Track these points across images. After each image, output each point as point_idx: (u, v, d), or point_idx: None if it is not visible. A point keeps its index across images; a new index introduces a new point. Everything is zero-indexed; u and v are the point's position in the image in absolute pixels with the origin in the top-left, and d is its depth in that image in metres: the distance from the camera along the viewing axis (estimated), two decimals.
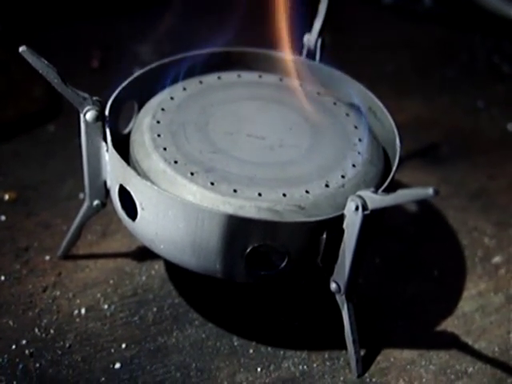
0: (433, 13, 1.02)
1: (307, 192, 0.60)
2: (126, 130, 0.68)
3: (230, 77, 0.69)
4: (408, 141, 0.66)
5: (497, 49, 0.98)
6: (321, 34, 0.70)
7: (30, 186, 0.77)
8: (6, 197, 0.75)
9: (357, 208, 0.56)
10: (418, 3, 1.03)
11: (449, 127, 0.88)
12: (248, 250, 0.58)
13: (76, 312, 0.67)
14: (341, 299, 0.62)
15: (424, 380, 0.65)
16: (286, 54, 0.70)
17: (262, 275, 0.61)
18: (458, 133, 0.87)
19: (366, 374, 0.65)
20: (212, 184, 0.59)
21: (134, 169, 0.61)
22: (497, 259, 0.74)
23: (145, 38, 0.92)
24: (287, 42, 0.69)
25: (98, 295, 0.69)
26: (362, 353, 0.66)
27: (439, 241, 0.76)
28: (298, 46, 0.71)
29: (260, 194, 0.59)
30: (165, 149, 0.62)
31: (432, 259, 0.74)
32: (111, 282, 0.70)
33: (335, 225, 0.58)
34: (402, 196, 0.55)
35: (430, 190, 0.53)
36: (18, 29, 0.93)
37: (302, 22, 0.69)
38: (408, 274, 0.73)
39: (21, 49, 0.60)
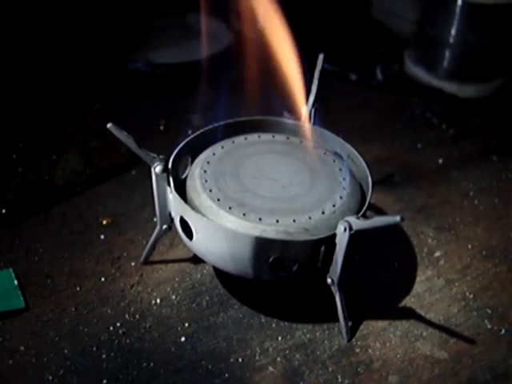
0: (384, 84, 0.97)
1: (310, 218, 0.55)
2: (183, 176, 0.62)
3: (252, 137, 0.64)
4: (373, 173, 0.61)
5: (428, 108, 0.93)
6: (314, 105, 0.64)
7: (120, 214, 0.71)
8: (104, 222, 0.70)
9: (345, 229, 0.52)
10: (373, 78, 0.98)
11: (399, 162, 0.82)
12: (270, 260, 0.54)
13: (153, 302, 0.62)
14: (334, 289, 0.57)
15: (393, 342, 0.60)
16: (291, 119, 0.65)
17: (281, 275, 0.56)
18: (406, 166, 0.82)
19: (353, 339, 0.60)
20: (244, 215, 0.54)
21: (190, 205, 0.56)
22: (437, 254, 0.69)
23: (194, 109, 0.87)
24: (292, 111, 0.64)
25: (168, 289, 0.63)
26: (350, 324, 0.60)
27: (397, 242, 0.70)
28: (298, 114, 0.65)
29: (277, 221, 0.54)
30: (210, 190, 0.56)
31: (393, 255, 0.68)
32: (177, 279, 0.64)
33: (330, 240, 0.54)
34: (377, 221, 0.51)
35: (398, 218, 0.48)
36: (111, 106, 0.88)
37: (300, 97, 0.63)
38: (377, 266, 0.67)
39: (108, 125, 0.55)
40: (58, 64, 0.92)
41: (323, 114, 0.66)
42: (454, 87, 0.95)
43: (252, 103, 0.70)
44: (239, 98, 0.71)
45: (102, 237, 0.68)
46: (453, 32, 0.92)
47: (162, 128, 0.86)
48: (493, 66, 0.95)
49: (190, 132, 0.84)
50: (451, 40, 0.93)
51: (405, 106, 0.93)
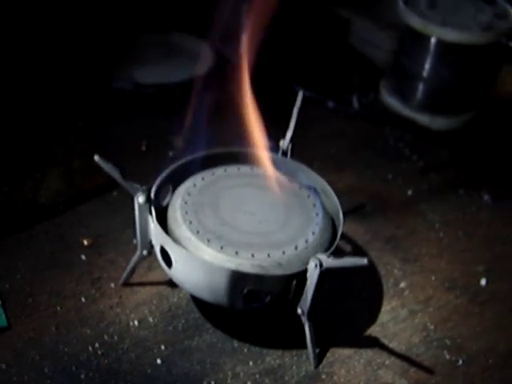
0: (359, 113, 1.01)
1: (283, 253, 0.58)
2: (165, 203, 0.65)
3: (232, 169, 0.67)
4: (344, 202, 0.65)
5: (400, 138, 0.97)
6: (291, 140, 0.68)
7: (101, 235, 0.74)
8: (85, 242, 0.72)
9: (316, 266, 0.55)
10: (349, 107, 1.01)
11: (371, 192, 0.86)
12: (245, 291, 0.57)
13: (131, 323, 0.65)
14: (304, 319, 0.60)
15: (357, 369, 0.63)
16: (269, 153, 0.67)
17: (254, 306, 0.59)
18: (377, 196, 0.85)
19: (320, 366, 0.63)
20: (221, 248, 0.57)
21: (170, 235, 0.59)
22: (402, 285, 0.72)
23: (177, 130, 0.89)
24: (269, 145, 0.67)
25: (146, 311, 0.66)
26: (317, 351, 0.63)
27: (365, 272, 0.73)
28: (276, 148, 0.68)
29: (253, 255, 0.57)
30: (190, 222, 0.59)
31: (361, 285, 0.72)
32: (154, 301, 0.67)
33: (301, 275, 0.57)
34: (346, 262, 0.55)
35: (365, 260, 0.51)
36: (94, 125, 0.90)
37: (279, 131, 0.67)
38: (345, 295, 0.71)
39: (95, 158, 0.58)
40: (42, 81, 0.94)
41: (300, 142, 0.69)
42: (426, 119, 0.99)
43: (235, 128, 0.73)
44: (222, 122, 0.73)
45: (83, 257, 0.71)
46: (426, 67, 0.96)
47: (143, 148, 0.89)
48: (463, 101, 1.00)
49: (171, 154, 0.87)
50: (424, 74, 0.97)
51: (378, 136, 0.97)
